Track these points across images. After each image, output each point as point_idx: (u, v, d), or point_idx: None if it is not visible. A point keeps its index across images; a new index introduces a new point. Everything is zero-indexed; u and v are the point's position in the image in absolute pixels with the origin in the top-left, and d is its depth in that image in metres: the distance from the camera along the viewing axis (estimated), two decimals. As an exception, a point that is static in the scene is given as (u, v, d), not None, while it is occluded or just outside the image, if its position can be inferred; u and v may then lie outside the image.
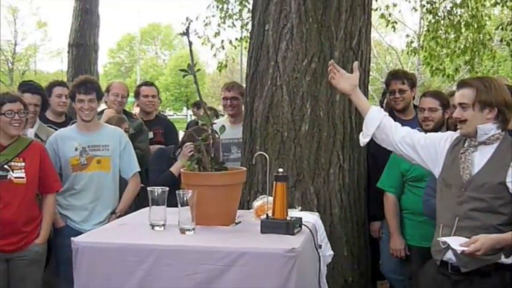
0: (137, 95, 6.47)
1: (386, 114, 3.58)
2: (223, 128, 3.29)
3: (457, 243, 3.08)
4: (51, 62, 76.04)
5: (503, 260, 3.15)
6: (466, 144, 3.30)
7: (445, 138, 3.43)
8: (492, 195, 3.13)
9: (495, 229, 3.10)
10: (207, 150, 3.16)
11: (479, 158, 3.23)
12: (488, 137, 3.22)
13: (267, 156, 3.41)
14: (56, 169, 4.58)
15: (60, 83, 5.77)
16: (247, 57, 5.24)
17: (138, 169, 4.91)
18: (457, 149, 3.33)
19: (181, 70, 3.23)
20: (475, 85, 3.23)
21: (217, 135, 3.25)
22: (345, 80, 3.57)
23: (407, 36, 13.67)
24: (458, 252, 3.10)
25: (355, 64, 3.67)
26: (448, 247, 3.18)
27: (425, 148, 3.43)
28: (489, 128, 3.21)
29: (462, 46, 11.86)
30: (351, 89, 3.57)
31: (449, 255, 3.24)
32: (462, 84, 3.34)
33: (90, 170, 4.68)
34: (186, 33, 3.17)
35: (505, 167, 3.14)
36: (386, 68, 33.36)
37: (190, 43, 3.22)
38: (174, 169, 4.92)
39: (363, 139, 3.60)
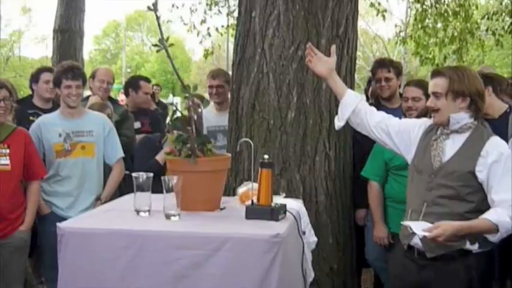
0: (136, 87, 6.44)
1: (363, 98, 3.63)
2: (206, 101, 3.26)
3: (420, 228, 3.13)
4: (36, 48, 75.47)
5: (468, 246, 3.23)
6: (438, 132, 3.35)
7: (419, 125, 3.48)
8: (461, 183, 3.20)
9: (461, 216, 3.16)
10: (190, 122, 3.12)
11: (451, 146, 3.29)
12: (460, 126, 3.28)
13: (251, 142, 3.42)
14: (40, 156, 4.56)
15: (48, 69, 5.73)
16: (233, 44, 5.23)
17: (122, 155, 4.90)
18: (429, 136, 3.38)
19: (154, 45, 3.17)
20: (448, 75, 3.27)
21: (199, 109, 3.23)
22: (322, 64, 3.58)
23: (396, 26, 13.71)
24: (420, 237, 3.18)
25: (333, 48, 3.67)
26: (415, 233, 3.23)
27: (399, 134, 3.49)
28: (461, 117, 3.26)
29: (450, 35, 11.91)
30: (328, 72, 3.58)
31: (416, 240, 3.30)
32: (436, 73, 3.39)
33: (75, 156, 4.66)
34: (154, 8, 3.11)
35: (474, 156, 3.20)
36: (372, 56, 33.43)
37: (157, 17, 3.15)
38: (159, 157, 4.92)
39: (338, 123, 3.63)
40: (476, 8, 12.70)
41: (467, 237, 3.17)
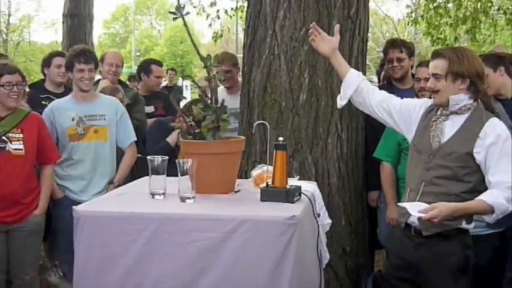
0: (147, 71, 6.49)
1: (365, 78, 3.65)
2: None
3: (416, 209, 3.14)
4: (46, 33, 75.31)
5: (464, 225, 3.29)
6: (438, 113, 3.37)
7: (420, 105, 3.49)
8: (458, 164, 3.23)
9: (458, 196, 3.19)
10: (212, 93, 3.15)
11: (450, 127, 3.31)
12: (460, 107, 3.29)
13: (267, 124, 3.40)
14: (53, 140, 4.58)
15: (60, 54, 5.74)
16: (244, 27, 5.21)
17: (135, 139, 4.91)
18: (429, 116, 3.40)
19: (170, 12, 3.21)
20: (447, 56, 3.27)
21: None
22: (325, 43, 3.60)
23: (407, 6, 13.60)
24: (412, 217, 3.23)
25: (336, 27, 3.67)
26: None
27: (400, 113, 3.51)
28: (461, 99, 3.27)
29: (462, 15, 11.80)
30: (331, 51, 3.61)
31: (412, 218, 3.31)
32: (436, 54, 3.39)
33: (88, 140, 4.67)
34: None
35: (473, 138, 3.21)
36: (382, 37, 33.24)
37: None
38: (170, 139, 4.93)
39: (340, 101, 3.67)
40: (490, -14, 12.56)
41: (463, 217, 3.22)
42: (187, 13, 3.19)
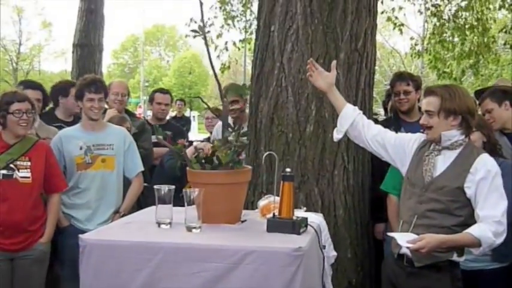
0: (151, 100, 6.66)
1: (360, 112, 3.70)
2: None
3: (405, 239, 3.23)
4: (55, 62, 75.77)
5: (455, 258, 3.35)
6: (431, 148, 3.44)
7: (414, 140, 3.58)
8: (450, 198, 3.30)
9: (449, 229, 3.26)
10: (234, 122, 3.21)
11: (442, 162, 3.39)
12: (452, 143, 3.37)
13: (275, 155, 3.42)
14: (61, 168, 4.60)
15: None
16: (252, 59, 5.25)
17: (142, 169, 4.93)
18: (423, 151, 3.48)
19: (193, 31, 3.31)
20: (440, 93, 3.36)
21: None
22: (323, 78, 3.67)
23: (412, 38, 13.69)
24: (404, 248, 3.27)
25: (333, 63, 3.73)
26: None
27: (394, 148, 3.60)
28: (453, 135, 3.36)
29: (467, 49, 11.88)
30: (328, 87, 3.68)
31: (405, 249, 3.35)
32: (428, 92, 3.47)
33: (95, 169, 4.68)
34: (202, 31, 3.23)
35: (463, 173, 3.29)
36: (389, 70, 33.39)
37: (201, 3, 3.29)
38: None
39: (336, 135, 3.73)
40: (494, 21, 12.66)
41: (453, 249, 3.28)
42: (208, 31, 3.26)
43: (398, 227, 3.53)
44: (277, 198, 3.10)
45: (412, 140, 3.58)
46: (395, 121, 5.06)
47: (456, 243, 3.24)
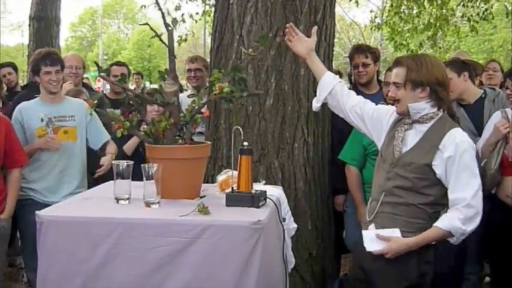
0: (108, 74, 6.51)
1: (341, 81, 3.58)
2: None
3: (372, 237, 3.18)
4: (11, 35, 74.30)
5: None
6: (402, 121, 3.30)
7: (391, 113, 3.40)
8: (417, 175, 3.15)
9: (417, 207, 3.15)
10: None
11: (412, 136, 3.23)
12: (421, 116, 3.20)
13: (240, 129, 3.34)
14: (22, 141, 4.51)
15: None
16: (211, 31, 5.21)
17: (109, 137, 4.87)
18: (398, 125, 3.32)
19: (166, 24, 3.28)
20: (406, 64, 3.20)
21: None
22: (302, 44, 3.58)
23: (371, 11, 13.75)
24: (368, 250, 3.18)
25: (314, 29, 3.66)
26: (372, 221, 3.28)
27: (372, 120, 3.45)
28: (421, 107, 3.19)
29: (425, 22, 11.97)
30: (307, 52, 3.58)
31: (371, 227, 3.28)
32: (396, 63, 3.34)
33: (58, 141, 4.62)
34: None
35: (433, 149, 3.13)
36: (349, 43, 33.51)
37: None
38: (126, 147, 4.91)
39: (315, 104, 3.62)
40: (452, -6, 12.77)
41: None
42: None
43: (368, 205, 3.40)
44: (236, 173, 3.10)
45: (389, 113, 3.40)
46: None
47: (428, 241, 3.12)
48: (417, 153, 3.18)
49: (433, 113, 3.20)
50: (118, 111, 6.04)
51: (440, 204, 3.17)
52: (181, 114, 3.22)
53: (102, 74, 3.29)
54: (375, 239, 3.17)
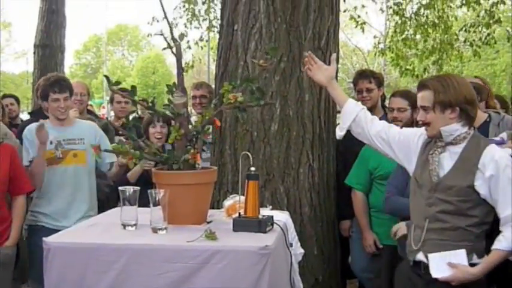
0: (111, 100, 6.57)
1: (364, 107, 3.53)
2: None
3: (439, 262, 3.10)
4: (16, 63, 74.84)
5: (475, 260, 3.12)
6: (435, 145, 3.22)
7: (419, 135, 3.34)
8: (460, 198, 3.08)
9: (464, 230, 3.09)
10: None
11: (448, 159, 3.16)
12: (454, 138, 3.14)
13: (249, 155, 3.30)
14: (33, 154, 4.48)
15: None
16: (216, 58, 5.25)
17: (115, 158, 4.86)
18: (428, 148, 3.26)
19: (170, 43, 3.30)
20: (432, 86, 3.14)
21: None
22: (322, 72, 3.53)
23: (375, 37, 13.83)
24: (433, 276, 3.11)
25: (333, 56, 3.66)
26: (420, 249, 3.19)
27: (399, 144, 3.38)
28: (454, 129, 3.13)
29: (430, 47, 12.03)
30: (328, 80, 3.52)
31: (420, 256, 3.21)
32: (421, 86, 3.28)
33: (67, 164, 4.59)
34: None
35: (472, 169, 3.07)
36: (352, 68, 33.66)
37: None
38: (129, 175, 4.90)
39: (339, 132, 3.55)
40: (455, 19, 12.84)
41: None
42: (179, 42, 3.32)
43: (411, 232, 3.29)
44: (243, 198, 3.10)
45: (417, 136, 3.33)
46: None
47: (491, 267, 3.05)
48: (457, 175, 3.11)
49: (465, 133, 3.15)
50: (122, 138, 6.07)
51: (486, 223, 3.11)
52: (190, 126, 3.25)
53: (112, 86, 3.30)
54: (440, 265, 3.09)
